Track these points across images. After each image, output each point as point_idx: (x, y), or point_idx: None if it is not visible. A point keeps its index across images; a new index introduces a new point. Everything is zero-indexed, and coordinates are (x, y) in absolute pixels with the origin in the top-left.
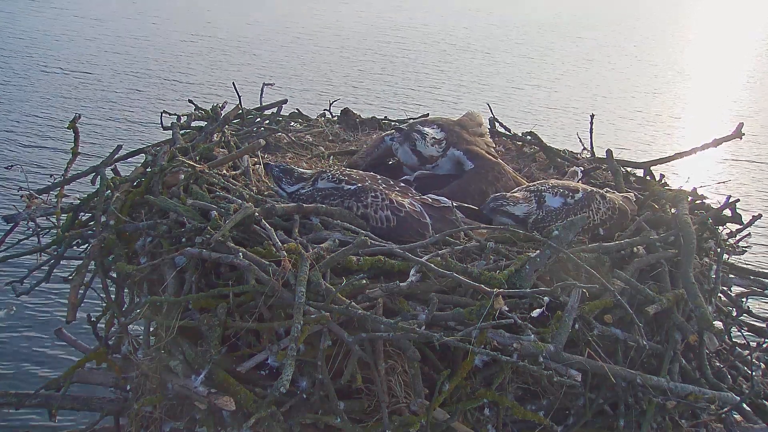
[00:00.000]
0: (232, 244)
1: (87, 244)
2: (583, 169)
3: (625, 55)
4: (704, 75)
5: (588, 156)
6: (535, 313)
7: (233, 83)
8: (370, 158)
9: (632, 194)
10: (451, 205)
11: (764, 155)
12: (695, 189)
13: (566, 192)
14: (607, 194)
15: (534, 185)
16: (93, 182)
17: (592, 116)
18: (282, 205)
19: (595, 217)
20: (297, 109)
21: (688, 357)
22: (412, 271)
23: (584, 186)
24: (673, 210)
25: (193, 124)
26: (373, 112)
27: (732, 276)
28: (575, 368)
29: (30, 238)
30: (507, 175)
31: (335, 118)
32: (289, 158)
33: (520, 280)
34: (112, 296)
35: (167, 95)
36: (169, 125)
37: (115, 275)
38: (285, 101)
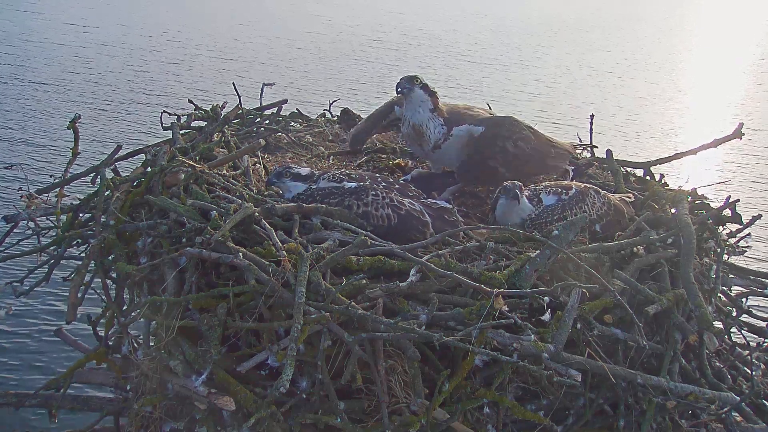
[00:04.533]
0: (232, 244)
1: (87, 244)
2: (574, 167)
3: (624, 59)
4: (704, 76)
5: (588, 156)
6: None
7: (233, 83)
8: (373, 118)
9: (631, 195)
10: (450, 206)
11: (765, 155)
12: (695, 189)
13: (560, 190)
14: (602, 191)
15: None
16: (93, 182)
17: (592, 116)
18: (282, 205)
19: (592, 212)
20: (297, 109)
21: (688, 357)
22: (412, 271)
23: (577, 183)
24: (673, 210)
25: (193, 124)
26: None
27: (732, 276)
28: (575, 368)
29: (30, 238)
30: (524, 131)
31: (335, 118)
32: (289, 158)
33: (520, 280)
34: (112, 296)
35: (167, 95)
36: (169, 125)
37: (115, 275)
38: (285, 101)
